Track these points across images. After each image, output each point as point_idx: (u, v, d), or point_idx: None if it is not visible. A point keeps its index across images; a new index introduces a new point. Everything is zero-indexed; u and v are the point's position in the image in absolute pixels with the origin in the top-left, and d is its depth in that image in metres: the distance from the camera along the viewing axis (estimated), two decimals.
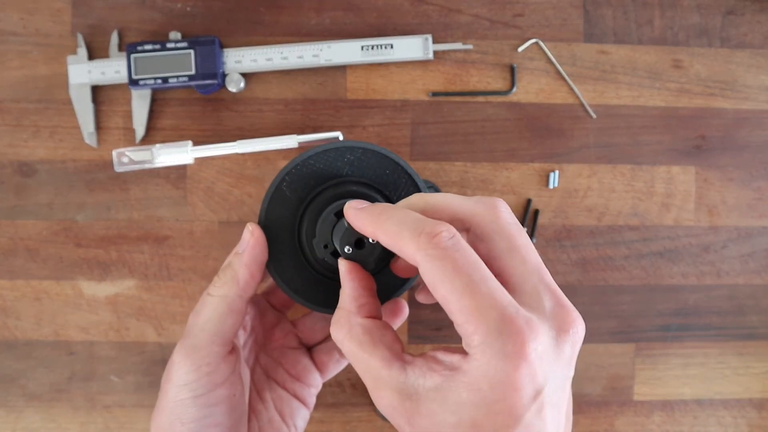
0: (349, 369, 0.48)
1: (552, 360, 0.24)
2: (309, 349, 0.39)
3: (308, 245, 0.32)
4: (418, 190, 0.32)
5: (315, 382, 0.38)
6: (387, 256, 0.29)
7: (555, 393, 0.24)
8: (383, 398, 0.25)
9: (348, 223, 0.28)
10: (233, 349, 0.31)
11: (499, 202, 0.27)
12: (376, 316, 0.28)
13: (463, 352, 0.24)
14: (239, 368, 0.32)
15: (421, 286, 0.32)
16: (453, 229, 0.24)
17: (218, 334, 0.30)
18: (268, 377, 0.36)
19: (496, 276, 0.25)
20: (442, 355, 0.25)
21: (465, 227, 0.27)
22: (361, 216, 0.27)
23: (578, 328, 0.25)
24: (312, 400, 0.37)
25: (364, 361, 0.26)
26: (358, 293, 0.28)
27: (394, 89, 0.48)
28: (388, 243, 0.26)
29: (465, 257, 0.24)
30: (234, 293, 0.31)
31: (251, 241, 0.32)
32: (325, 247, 0.31)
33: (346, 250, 0.29)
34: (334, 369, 0.38)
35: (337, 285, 0.30)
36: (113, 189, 0.48)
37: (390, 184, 0.33)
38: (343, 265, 0.29)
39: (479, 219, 0.26)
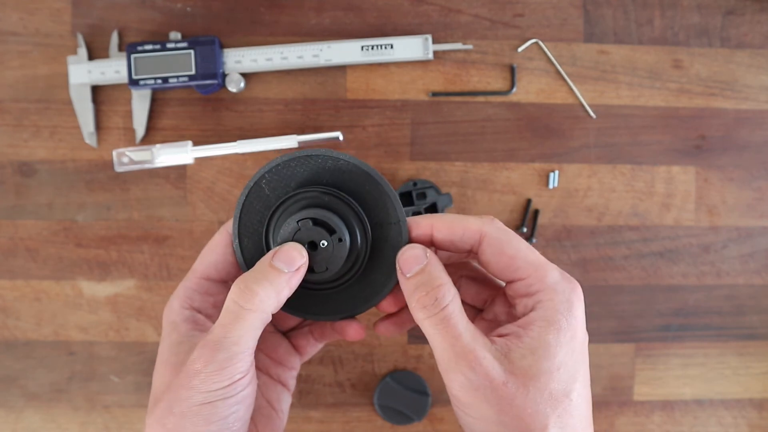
0: (349, 369, 0.49)
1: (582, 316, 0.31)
2: (286, 334, 0.39)
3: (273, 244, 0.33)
4: (395, 210, 0.32)
5: (295, 365, 0.38)
6: (344, 272, 0.32)
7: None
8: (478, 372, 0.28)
9: (301, 228, 0.31)
10: None
11: (491, 219, 0.33)
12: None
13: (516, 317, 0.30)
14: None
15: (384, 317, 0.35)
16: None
17: (252, 347, 0.30)
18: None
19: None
20: (505, 328, 0.30)
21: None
22: (419, 220, 0.32)
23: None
24: (293, 383, 0.38)
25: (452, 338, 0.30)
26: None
27: (394, 89, 0.48)
28: (448, 229, 0.31)
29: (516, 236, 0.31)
30: (271, 310, 0.30)
31: (302, 264, 0.31)
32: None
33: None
34: (312, 351, 0.39)
35: (310, 293, 0.32)
36: (113, 189, 0.48)
37: (369, 200, 0.32)
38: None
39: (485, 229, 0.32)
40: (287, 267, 0.30)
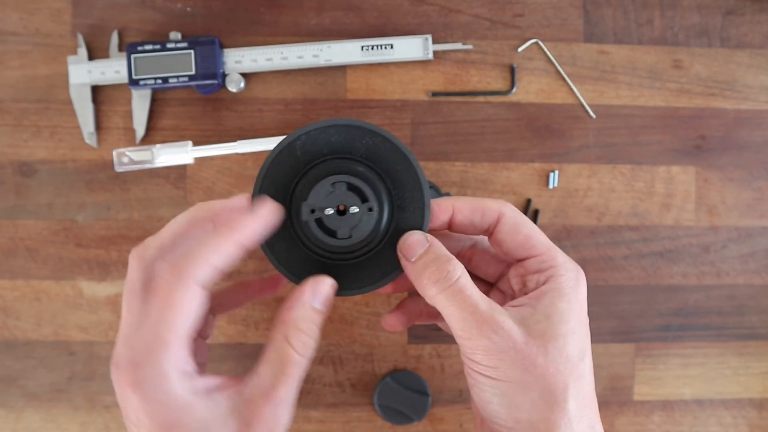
0: (349, 369, 0.49)
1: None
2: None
3: (295, 208, 0.32)
4: (422, 195, 0.33)
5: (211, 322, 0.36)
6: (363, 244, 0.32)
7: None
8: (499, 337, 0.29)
9: (336, 190, 0.31)
10: None
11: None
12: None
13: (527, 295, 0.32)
14: None
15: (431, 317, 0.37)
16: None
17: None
18: None
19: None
20: (520, 299, 0.32)
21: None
22: (440, 201, 0.33)
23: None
24: (210, 332, 0.36)
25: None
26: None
27: (394, 89, 0.48)
28: (469, 209, 0.33)
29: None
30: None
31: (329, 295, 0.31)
32: (312, 211, 0.31)
33: (327, 211, 0.31)
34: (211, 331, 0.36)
35: (320, 261, 0.32)
36: (113, 189, 0.48)
37: (397, 180, 0.33)
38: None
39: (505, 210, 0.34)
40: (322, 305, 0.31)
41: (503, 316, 0.30)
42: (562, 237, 0.49)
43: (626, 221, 0.49)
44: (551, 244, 0.33)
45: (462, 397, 0.49)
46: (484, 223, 0.33)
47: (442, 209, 0.33)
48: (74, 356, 0.48)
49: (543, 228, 0.49)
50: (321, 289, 0.31)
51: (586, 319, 0.32)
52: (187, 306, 0.27)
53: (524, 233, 0.32)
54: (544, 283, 0.31)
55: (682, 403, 0.50)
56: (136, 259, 0.29)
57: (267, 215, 0.30)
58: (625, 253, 0.49)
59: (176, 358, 0.27)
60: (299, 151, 0.32)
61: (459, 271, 0.30)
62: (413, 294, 0.38)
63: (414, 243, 0.31)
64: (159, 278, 0.28)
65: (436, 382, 0.48)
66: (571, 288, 0.31)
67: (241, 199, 0.31)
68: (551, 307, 0.30)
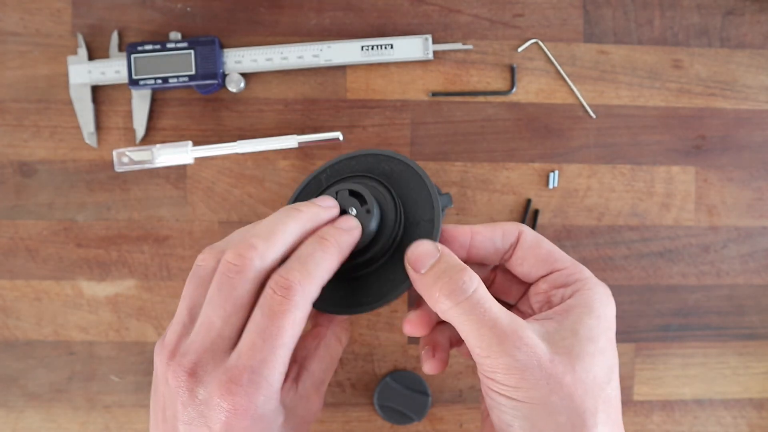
0: (349, 370, 0.49)
1: None
2: None
3: None
4: (432, 207, 0.33)
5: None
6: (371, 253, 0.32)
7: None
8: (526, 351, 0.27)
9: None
10: None
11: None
12: None
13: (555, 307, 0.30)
14: None
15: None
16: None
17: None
18: None
19: None
20: (545, 313, 0.30)
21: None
22: (457, 226, 0.32)
23: None
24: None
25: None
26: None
27: (394, 89, 0.48)
28: (489, 231, 0.32)
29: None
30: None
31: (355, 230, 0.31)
32: None
33: (350, 210, 0.32)
34: None
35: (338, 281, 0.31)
36: (113, 189, 0.48)
37: (410, 198, 0.33)
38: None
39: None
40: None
41: (527, 331, 0.27)
42: (562, 237, 0.49)
43: (626, 221, 0.49)
44: (573, 259, 0.31)
45: (462, 397, 0.49)
46: (505, 242, 0.31)
47: (460, 232, 0.31)
48: (74, 356, 0.48)
49: (543, 228, 0.49)
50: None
51: (614, 340, 0.29)
52: (300, 324, 0.27)
53: (546, 248, 0.31)
54: (570, 297, 0.29)
55: (682, 403, 0.50)
56: (250, 270, 0.27)
57: (357, 232, 0.31)
58: (625, 253, 0.49)
59: (281, 374, 0.27)
60: (324, 179, 0.35)
61: (475, 282, 0.28)
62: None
63: (423, 253, 0.29)
64: (274, 295, 0.27)
65: (436, 382, 0.48)
66: (601, 303, 0.29)
67: (334, 210, 0.31)
68: (579, 323, 0.28)
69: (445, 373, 0.48)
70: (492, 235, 0.31)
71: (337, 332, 0.32)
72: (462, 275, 0.28)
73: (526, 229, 0.32)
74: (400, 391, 0.47)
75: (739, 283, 0.50)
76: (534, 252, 0.31)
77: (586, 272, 0.30)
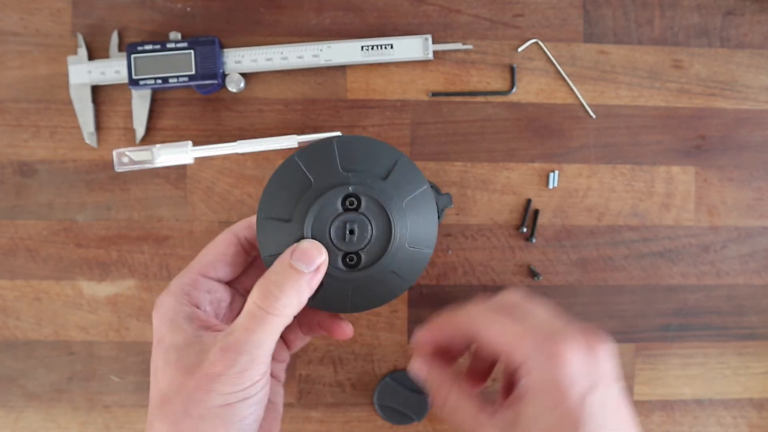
0: (349, 369, 0.49)
1: (592, 366, 0.29)
2: None
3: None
4: (431, 197, 0.33)
5: (286, 358, 0.38)
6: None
7: (610, 397, 0.29)
8: None
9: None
10: None
11: (508, 291, 0.35)
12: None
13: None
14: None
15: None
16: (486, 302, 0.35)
17: (272, 349, 0.30)
18: None
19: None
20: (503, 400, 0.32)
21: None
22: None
23: (607, 342, 0.31)
24: (284, 375, 0.38)
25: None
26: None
27: (394, 89, 0.48)
28: (445, 331, 0.34)
29: (508, 307, 0.33)
30: (294, 312, 0.30)
31: (323, 264, 0.31)
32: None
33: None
34: (300, 344, 0.39)
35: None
36: (113, 189, 0.48)
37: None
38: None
39: (503, 301, 0.34)
40: (307, 267, 0.30)
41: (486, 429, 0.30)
42: (562, 237, 0.49)
43: (626, 221, 0.49)
44: (519, 332, 0.31)
45: None
46: (466, 342, 0.34)
47: (421, 341, 0.35)
48: (74, 356, 0.48)
49: (543, 228, 0.49)
50: (300, 247, 0.31)
51: (575, 403, 0.28)
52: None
53: (495, 342, 0.31)
54: (521, 380, 0.30)
55: (682, 403, 0.50)
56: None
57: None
58: (625, 253, 0.49)
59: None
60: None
61: (452, 399, 0.32)
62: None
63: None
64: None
65: None
66: (541, 384, 0.29)
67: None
68: (527, 413, 0.29)
69: None
70: (450, 340, 0.34)
71: (258, 288, 0.31)
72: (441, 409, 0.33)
73: (482, 331, 0.32)
74: (400, 391, 0.47)
75: (739, 283, 0.50)
76: (485, 348, 0.33)
77: (526, 348, 0.30)
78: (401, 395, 0.47)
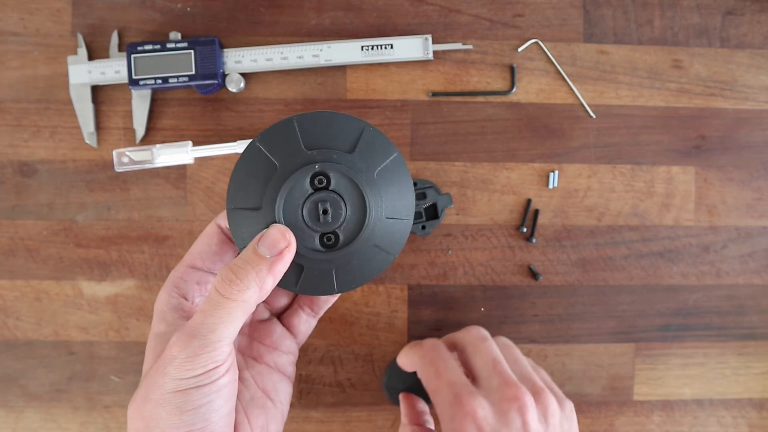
0: (349, 369, 0.49)
1: (498, 423, 0.33)
2: (278, 317, 0.39)
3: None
4: (408, 210, 0.33)
5: (292, 349, 0.37)
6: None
7: None
8: None
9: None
10: None
11: (473, 327, 0.40)
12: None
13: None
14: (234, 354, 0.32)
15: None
16: (437, 342, 0.40)
17: (231, 336, 0.29)
18: (244, 355, 0.36)
19: (467, 370, 0.38)
20: None
21: (458, 348, 0.40)
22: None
23: (523, 400, 0.34)
24: (292, 370, 0.37)
25: None
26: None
27: (394, 89, 0.48)
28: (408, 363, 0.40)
29: (439, 356, 0.38)
30: (255, 300, 0.30)
31: (287, 249, 0.30)
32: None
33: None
34: (305, 329, 0.38)
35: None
36: (113, 189, 0.48)
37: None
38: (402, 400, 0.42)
39: (461, 338, 0.40)
40: (269, 251, 0.30)
41: None
42: (562, 237, 0.49)
43: (626, 221, 0.49)
44: (441, 389, 0.36)
45: None
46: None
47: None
48: (74, 356, 0.48)
49: (543, 228, 0.49)
50: (266, 232, 0.30)
51: None
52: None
53: (424, 381, 0.38)
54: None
55: (682, 403, 0.50)
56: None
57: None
58: (625, 253, 0.49)
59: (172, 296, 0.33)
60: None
61: None
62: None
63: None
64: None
65: None
66: None
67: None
68: None
69: None
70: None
71: (220, 275, 0.31)
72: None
73: (419, 373, 0.38)
74: (409, 375, 0.47)
75: (739, 283, 0.50)
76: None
77: (442, 401, 0.35)
78: (409, 378, 0.47)
